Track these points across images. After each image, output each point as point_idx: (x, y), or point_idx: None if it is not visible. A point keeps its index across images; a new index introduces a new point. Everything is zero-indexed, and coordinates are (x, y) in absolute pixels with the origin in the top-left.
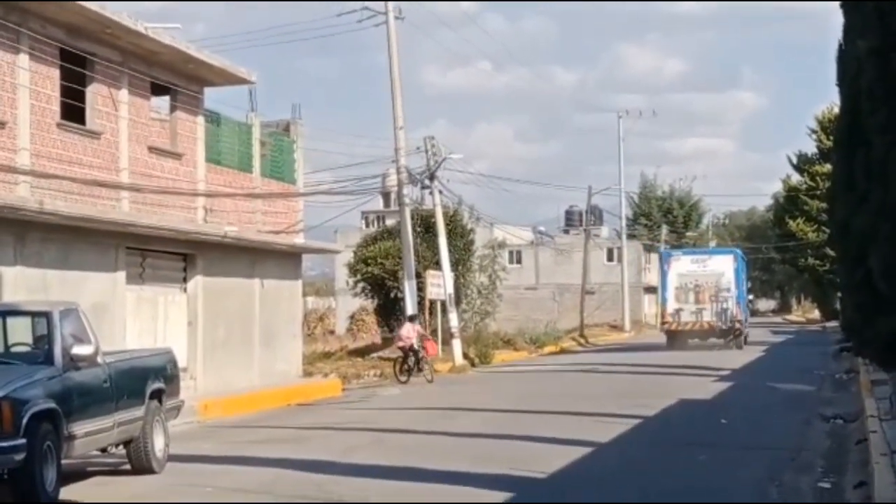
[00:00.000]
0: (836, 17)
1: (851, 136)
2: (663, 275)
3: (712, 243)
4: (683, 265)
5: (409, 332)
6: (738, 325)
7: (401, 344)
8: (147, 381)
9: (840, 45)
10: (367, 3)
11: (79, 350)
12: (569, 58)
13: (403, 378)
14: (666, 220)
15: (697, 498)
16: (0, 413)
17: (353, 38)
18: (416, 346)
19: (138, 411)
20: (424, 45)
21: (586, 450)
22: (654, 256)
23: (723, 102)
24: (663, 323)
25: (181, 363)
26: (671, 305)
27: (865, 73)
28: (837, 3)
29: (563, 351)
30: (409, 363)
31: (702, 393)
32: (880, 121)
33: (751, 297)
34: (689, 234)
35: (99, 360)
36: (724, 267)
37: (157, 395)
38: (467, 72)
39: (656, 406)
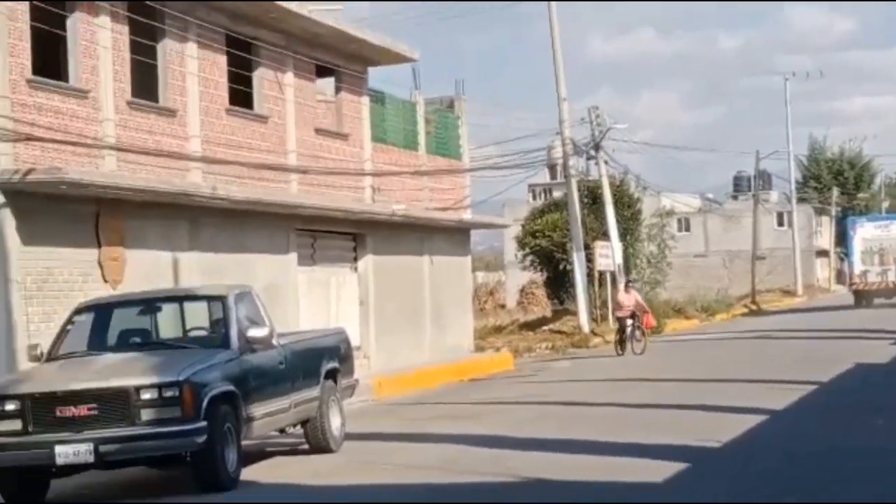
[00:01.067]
0: None
1: None
2: (849, 240)
3: (885, 204)
4: (868, 231)
5: (628, 300)
6: None
7: (620, 313)
8: (321, 361)
9: None
10: None
11: (254, 332)
12: (733, 21)
13: (620, 351)
14: (837, 183)
15: (874, 461)
16: (181, 397)
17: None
18: (637, 314)
19: (314, 391)
20: (587, 13)
21: (761, 417)
22: (825, 220)
23: (892, 59)
24: (851, 284)
25: (354, 342)
26: (857, 267)
27: None
28: None
29: (734, 318)
30: (626, 334)
31: (879, 357)
32: None
33: None
34: (860, 195)
35: (274, 341)
36: None
37: (332, 374)
38: (630, 39)
39: (832, 371)
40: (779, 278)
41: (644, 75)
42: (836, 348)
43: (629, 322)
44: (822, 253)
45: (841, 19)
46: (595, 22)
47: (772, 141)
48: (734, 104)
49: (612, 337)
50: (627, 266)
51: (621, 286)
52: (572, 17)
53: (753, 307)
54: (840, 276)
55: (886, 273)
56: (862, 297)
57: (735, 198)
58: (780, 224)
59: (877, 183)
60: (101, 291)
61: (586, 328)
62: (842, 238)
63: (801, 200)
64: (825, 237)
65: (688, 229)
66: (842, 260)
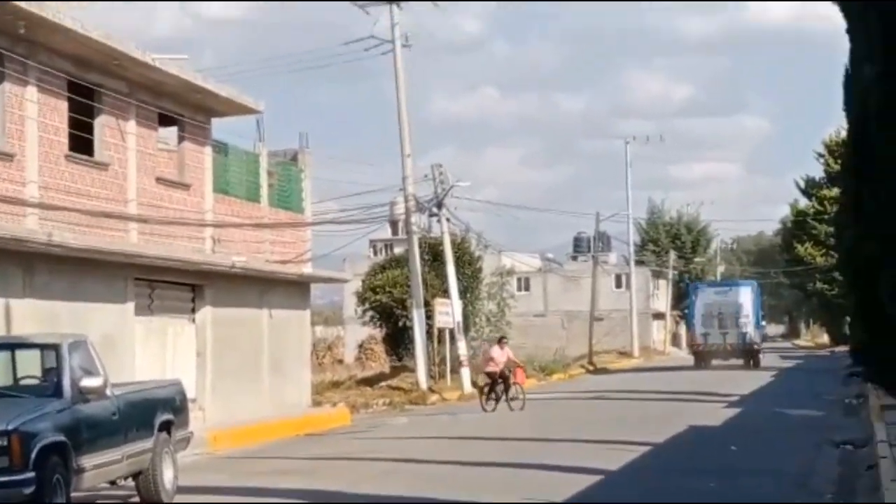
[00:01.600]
0: (842, 42)
1: (859, 161)
2: (691, 304)
3: (720, 269)
4: (709, 296)
5: (500, 356)
6: (755, 347)
7: (490, 368)
8: (156, 413)
9: (847, 71)
10: (374, 30)
11: (88, 382)
12: (576, 83)
13: (490, 407)
14: (674, 246)
15: None
16: (9, 447)
17: (361, 66)
18: (506, 372)
19: (147, 443)
20: (432, 71)
21: (597, 478)
22: (663, 283)
23: (730, 127)
24: (692, 345)
25: (190, 394)
26: (699, 330)
27: (872, 98)
28: (844, 28)
29: (572, 378)
30: (498, 390)
31: (711, 419)
32: (887, 146)
33: (763, 322)
34: (697, 259)
35: (108, 392)
36: (743, 297)
37: (166, 426)
38: (475, 98)
39: (666, 432)
40: (616, 339)
41: (488, 134)
42: (671, 410)
43: (500, 379)
44: (659, 315)
45: (680, 86)
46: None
47: (612, 203)
48: (576, 166)
49: (450, 394)
50: (467, 324)
51: (495, 345)
52: (418, 75)
53: (591, 367)
54: (675, 339)
55: (725, 336)
56: (701, 359)
57: (575, 258)
58: (619, 286)
59: (713, 248)
60: None
61: (424, 385)
62: (678, 301)
63: (639, 263)
64: (662, 300)
65: (528, 289)
66: (677, 323)
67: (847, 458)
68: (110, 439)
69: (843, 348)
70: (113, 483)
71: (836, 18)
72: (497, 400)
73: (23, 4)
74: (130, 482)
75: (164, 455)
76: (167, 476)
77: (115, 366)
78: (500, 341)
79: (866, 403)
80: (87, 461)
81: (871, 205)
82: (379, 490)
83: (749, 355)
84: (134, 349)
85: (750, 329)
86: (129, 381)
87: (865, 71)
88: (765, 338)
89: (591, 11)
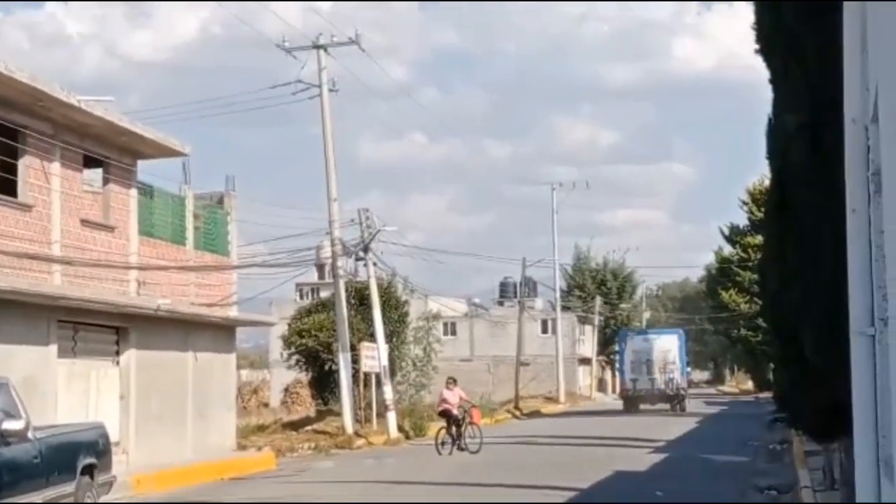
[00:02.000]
0: (765, 91)
1: (781, 210)
2: (621, 351)
3: (646, 314)
4: (637, 343)
5: (453, 397)
6: (682, 392)
7: (443, 408)
8: (78, 456)
9: (769, 119)
10: (301, 75)
11: (9, 425)
12: (503, 130)
13: (446, 450)
14: (600, 292)
15: None
16: None
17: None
18: (459, 414)
19: (69, 487)
20: (358, 116)
21: None
22: (588, 328)
23: (655, 174)
24: (622, 391)
25: (113, 437)
26: (628, 375)
27: (794, 147)
28: (767, 78)
29: (498, 423)
30: (453, 432)
31: (637, 465)
32: (810, 196)
33: (689, 369)
34: (622, 305)
35: (30, 435)
36: (670, 344)
37: (89, 470)
38: (401, 143)
39: (592, 478)
40: (542, 385)
41: (415, 180)
42: (597, 455)
43: (453, 422)
44: (585, 360)
45: (606, 132)
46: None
47: (539, 249)
48: (503, 211)
49: (376, 438)
50: (393, 368)
51: (445, 388)
52: (345, 120)
53: (517, 412)
54: (601, 384)
55: (653, 381)
56: (630, 403)
57: (501, 304)
58: (545, 331)
59: (638, 294)
60: None
61: (350, 429)
62: (604, 347)
63: (565, 308)
64: (588, 345)
65: (454, 333)
66: (603, 368)
67: None
68: (32, 482)
69: (767, 394)
70: None
71: (759, 68)
72: (452, 443)
73: None
74: None
75: (86, 499)
76: None
77: (37, 408)
78: (448, 383)
79: (790, 449)
80: None
81: (794, 253)
82: None
83: (675, 400)
84: (56, 392)
85: (676, 375)
86: (52, 423)
87: (787, 122)
88: (690, 384)
89: (517, 58)
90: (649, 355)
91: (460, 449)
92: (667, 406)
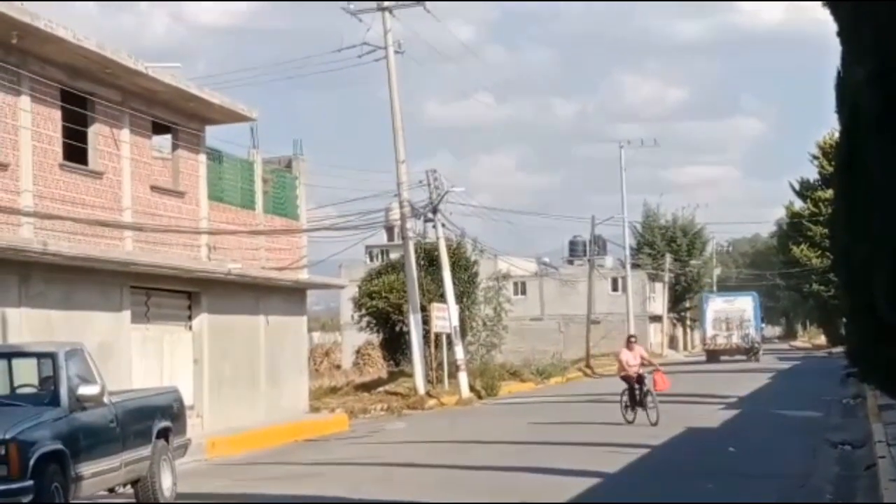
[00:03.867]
0: (833, 43)
1: (851, 163)
2: (703, 311)
3: (717, 271)
4: (717, 304)
5: (634, 359)
6: (756, 346)
7: (624, 373)
8: (153, 421)
9: (838, 72)
10: (367, 37)
11: (85, 390)
12: (570, 88)
13: (630, 416)
14: (670, 249)
15: None
16: (7, 455)
17: (355, 73)
18: (643, 375)
19: (145, 450)
20: (426, 77)
21: (595, 480)
22: (659, 286)
23: (724, 130)
24: (704, 345)
25: (187, 401)
26: (709, 332)
27: (864, 98)
28: (835, 30)
29: (569, 381)
30: (637, 396)
31: (709, 421)
32: (880, 147)
33: (763, 325)
34: (692, 262)
35: (105, 400)
36: (745, 305)
37: (164, 433)
38: (469, 104)
39: (663, 435)
40: (613, 343)
41: (482, 140)
42: (667, 412)
43: (637, 384)
44: (656, 318)
45: (673, 90)
46: (434, 87)
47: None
48: (571, 170)
49: (448, 399)
50: (464, 328)
51: (623, 349)
52: (412, 81)
53: (588, 371)
54: (672, 342)
55: (730, 337)
56: (712, 355)
57: (571, 262)
58: (615, 289)
59: (708, 250)
60: None
61: (422, 390)
62: (675, 304)
63: (635, 266)
64: (658, 303)
65: (524, 293)
66: (674, 326)
67: (846, 459)
68: (108, 447)
69: (840, 349)
70: (111, 490)
71: (827, 21)
72: (636, 407)
73: (15, 14)
74: (129, 489)
75: (162, 462)
76: (166, 483)
77: (111, 374)
78: (630, 342)
79: (864, 404)
80: (86, 469)
81: (863, 206)
82: (378, 494)
83: (751, 352)
84: (130, 357)
85: (751, 331)
86: (127, 389)
87: (856, 73)
88: (763, 339)
89: (584, 15)
90: (728, 314)
91: (650, 421)
92: (744, 357)
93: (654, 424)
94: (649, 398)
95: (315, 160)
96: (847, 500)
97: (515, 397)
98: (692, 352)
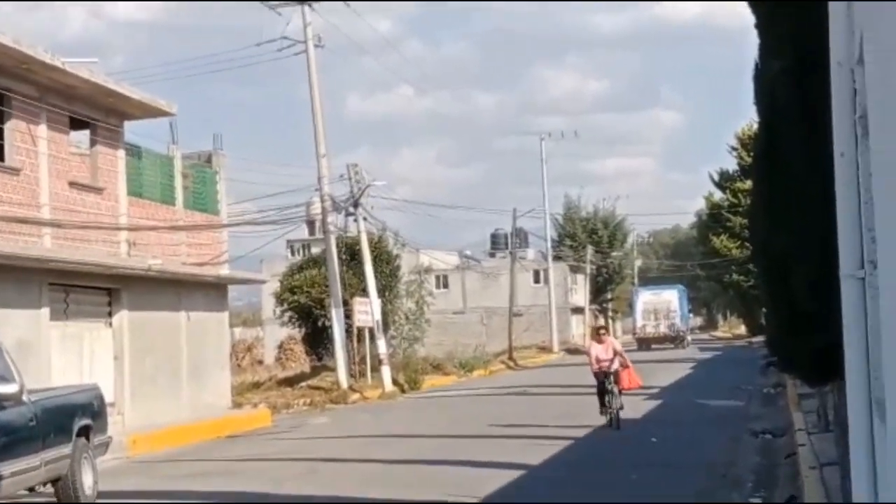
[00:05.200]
0: (751, 36)
1: (769, 155)
2: (633, 303)
3: (637, 262)
4: (646, 297)
5: (604, 352)
6: (682, 334)
7: (596, 368)
8: (74, 418)
9: (756, 64)
10: (286, 31)
11: (2, 389)
12: (489, 82)
13: (606, 417)
14: (591, 241)
15: None
16: None
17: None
18: (619, 371)
19: (66, 449)
20: (346, 71)
21: (518, 472)
22: (581, 277)
23: (643, 122)
24: (635, 334)
25: (108, 398)
26: (639, 322)
27: (780, 93)
28: (753, 23)
29: (492, 374)
30: (608, 394)
31: (631, 412)
32: (797, 139)
33: (690, 315)
34: (614, 253)
35: (24, 398)
36: (671, 297)
37: (85, 431)
38: (389, 97)
39: (586, 426)
40: (536, 335)
41: (403, 133)
42: (590, 404)
43: (606, 379)
44: (578, 310)
45: (593, 82)
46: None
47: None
48: (492, 163)
49: (371, 393)
50: (386, 322)
51: (592, 342)
52: (332, 75)
53: (511, 363)
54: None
55: (658, 326)
56: (642, 343)
57: (492, 255)
58: (537, 281)
59: (629, 242)
60: None
61: (345, 384)
62: (596, 296)
63: (556, 258)
64: (580, 294)
65: (446, 286)
66: (596, 317)
67: (767, 448)
68: (27, 446)
69: (760, 339)
70: (31, 490)
71: (745, 14)
72: (610, 405)
73: None
74: (49, 488)
75: (83, 460)
76: (87, 481)
77: (31, 372)
78: (600, 333)
79: (784, 393)
80: (4, 468)
81: (782, 197)
82: (302, 490)
83: (677, 340)
84: (50, 355)
85: (677, 320)
86: (46, 386)
87: (773, 65)
88: (690, 329)
89: (503, 10)
90: (655, 306)
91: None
92: (671, 345)
93: (616, 429)
94: (614, 399)
95: (235, 155)
96: (769, 491)
97: (438, 390)
98: (621, 339)
